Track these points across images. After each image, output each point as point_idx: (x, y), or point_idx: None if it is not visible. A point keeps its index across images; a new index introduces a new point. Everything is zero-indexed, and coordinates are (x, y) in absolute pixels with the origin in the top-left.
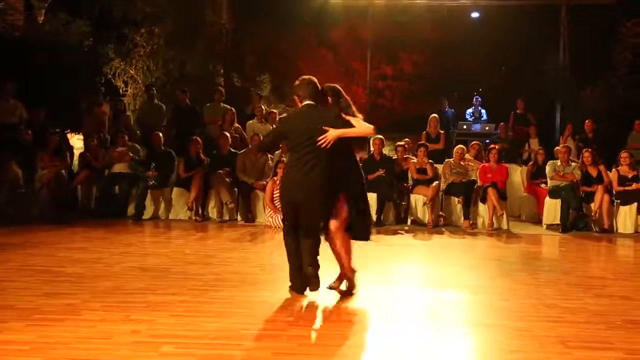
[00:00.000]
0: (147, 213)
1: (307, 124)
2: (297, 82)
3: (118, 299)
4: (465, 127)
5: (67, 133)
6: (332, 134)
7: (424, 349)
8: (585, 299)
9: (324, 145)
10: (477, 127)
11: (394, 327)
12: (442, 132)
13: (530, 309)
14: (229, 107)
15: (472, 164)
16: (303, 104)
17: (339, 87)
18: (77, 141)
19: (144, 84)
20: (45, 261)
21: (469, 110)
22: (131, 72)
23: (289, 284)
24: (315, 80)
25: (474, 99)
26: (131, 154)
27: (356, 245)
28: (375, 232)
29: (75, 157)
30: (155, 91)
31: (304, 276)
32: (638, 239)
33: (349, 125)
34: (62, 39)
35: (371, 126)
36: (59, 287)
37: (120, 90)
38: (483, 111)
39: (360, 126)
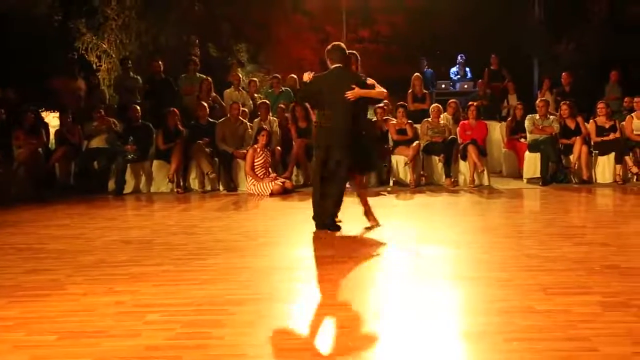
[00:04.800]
0: (128, 187)
1: (339, 82)
2: (329, 47)
3: (101, 272)
4: (443, 86)
5: (42, 111)
6: (358, 91)
7: (409, 302)
8: (565, 247)
9: (350, 98)
10: (455, 86)
11: (379, 283)
12: (426, 91)
13: (511, 260)
14: (205, 76)
15: (447, 122)
16: (333, 66)
17: (357, 54)
18: (52, 119)
19: (117, 58)
20: (26, 239)
21: (454, 69)
22: (104, 46)
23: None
24: (344, 47)
25: (459, 57)
26: (112, 123)
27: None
28: (357, 195)
29: (52, 135)
30: (130, 64)
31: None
32: (617, 188)
33: (371, 87)
34: (30, 13)
35: (385, 91)
36: (41, 263)
37: (94, 65)
38: (468, 69)
39: (378, 90)
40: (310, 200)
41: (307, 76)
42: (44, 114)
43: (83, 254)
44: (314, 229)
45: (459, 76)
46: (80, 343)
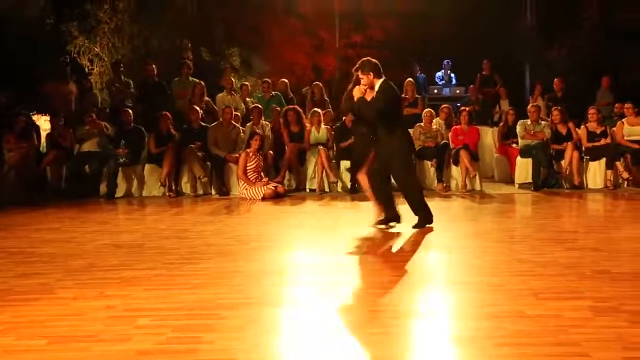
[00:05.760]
0: (120, 191)
1: (396, 94)
2: (363, 62)
3: (92, 276)
4: (436, 91)
5: (33, 114)
6: None
7: (401, 306)
8: (556, 252)
9: None
10: (447, 91)
11: (371, 287)
12: (418, 96)
13: (503, 265)
14: (197, 80)
15: (439, 127)
16: (383, 79)
17: None
18: (43, 122)
19: (110, 62)
20: (17, 242)
21: (439, 74)
22: (96, 49)
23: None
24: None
25: (444, 63)
26: (104, 127)
27: (331, 211)
28: (350, 199)
29: (43, 138)
30: (122, 67)
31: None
32: (607, 194)
33: None
34: (22, 16)
35: None
36: (31, 267)
37: (86, 69)
38: (452, 75)
39: None
40: (303, 204)
41: (359, 90)
42: (35, 117)
43: (74, 258)
44: (305, 233)
45: (443, 81)
46: (70, 347)
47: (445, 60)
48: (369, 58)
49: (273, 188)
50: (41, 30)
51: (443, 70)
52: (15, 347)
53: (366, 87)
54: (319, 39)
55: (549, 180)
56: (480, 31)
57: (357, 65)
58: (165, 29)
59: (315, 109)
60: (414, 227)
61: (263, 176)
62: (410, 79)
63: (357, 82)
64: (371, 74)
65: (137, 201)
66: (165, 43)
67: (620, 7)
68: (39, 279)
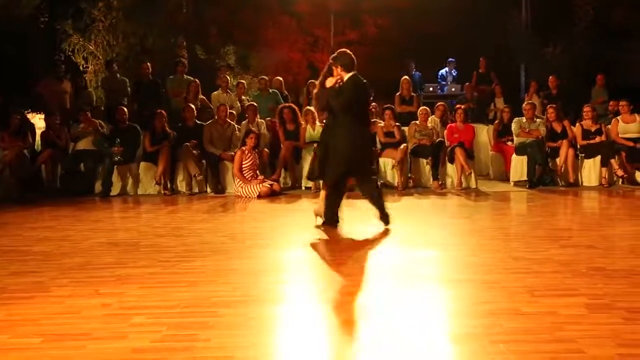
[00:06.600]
0: (115, 189)
1: (364, 90)
2: (339, 53)
3: (87, 274)
4: (431, 89)
5: (28, 113)
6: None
7: (396, 304)
8: (551, 250)
9: None
10: (443, 89)
11: (367, 285)
12: (414, 94)
13: (498, 262)
14: (192, 78)
15: (434, 125)
16: (352, 73)
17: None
18: (38, 121)
19: (104, 60)
20: (12, 241)
21: (442, 71)
22: (91, 47)
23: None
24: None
25: (448, 60)
26: (98, 125)
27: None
28: (346, 197)
29: (38, 136)
30: (116, 67)
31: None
32: (602, 191)
33: None
34: (16, 14)
35: None
36: (26, 265)
37: (81, 67)
38: (455, 73)
39: None
40: (298, 202)
41: (331, 81)
42: (30, 116)
43: (69, 256)
44: (300, 230)
45: (447, 80)
46: (66, 345)
47: (449, 59)
48: (345, 50)
49: (269, 186)
50: (35, 29)
51: (447, 68)
52: (10, 345)
53: (337, 79)
54: (314, 36)
55: (544, 177)
56: (475, 29)
57: (334, 54)
58: (160, 27)
59: (310, 107)
60: (317, 226)
61: (259, 174)
62: (406, 76)
63: (330, 70)
64: (339, 67)
65: (133, 199)
66: (160, 41)
67: (615, 4)
68: (33, 277)
